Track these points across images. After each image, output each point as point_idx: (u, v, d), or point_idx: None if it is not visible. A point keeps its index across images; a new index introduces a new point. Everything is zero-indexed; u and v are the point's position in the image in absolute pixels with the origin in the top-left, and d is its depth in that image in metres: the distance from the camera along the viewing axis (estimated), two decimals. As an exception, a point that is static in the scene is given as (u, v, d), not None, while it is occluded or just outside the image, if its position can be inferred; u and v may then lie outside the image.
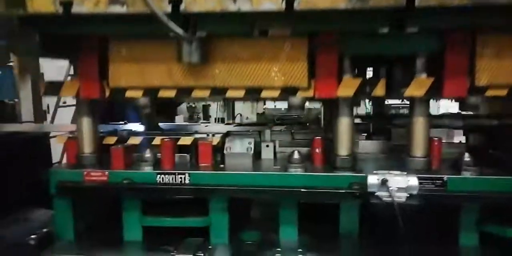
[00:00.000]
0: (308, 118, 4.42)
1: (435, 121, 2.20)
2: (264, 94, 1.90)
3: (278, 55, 1.86)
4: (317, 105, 6.41)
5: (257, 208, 2.37)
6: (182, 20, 1.66)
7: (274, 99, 2.54)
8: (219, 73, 1.89)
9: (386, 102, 2.98)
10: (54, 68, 4.32)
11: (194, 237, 1.94)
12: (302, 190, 1.82)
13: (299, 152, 1.99)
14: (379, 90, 1.83)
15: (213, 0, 1.55)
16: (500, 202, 1.76)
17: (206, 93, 1.93)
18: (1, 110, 3.17)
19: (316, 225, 2.07)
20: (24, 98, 4.29)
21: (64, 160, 4.32)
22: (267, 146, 2.24)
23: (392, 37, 1.70)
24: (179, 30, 1.63)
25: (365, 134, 2.32)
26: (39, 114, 4.33)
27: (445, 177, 1.78)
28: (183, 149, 2.14)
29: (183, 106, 6.84)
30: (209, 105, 7.65)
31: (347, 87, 1.84)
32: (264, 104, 6.61)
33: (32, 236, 1.87)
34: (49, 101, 4.85)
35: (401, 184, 1.67)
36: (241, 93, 1.91)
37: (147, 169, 2.00)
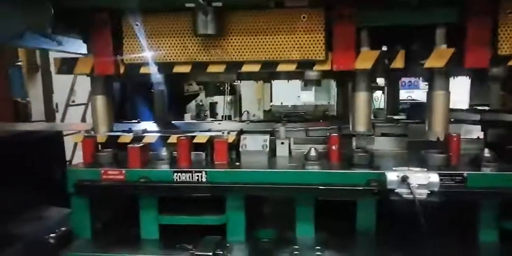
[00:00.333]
0: (315, 114, 4.40)
1: (453, 115, 2.18)
2: (280, 67, 1.88)
3: (295, 28, 1.83)
4: (324, 102, 6.45)
5: (272, 205, 2.37)
6: None
7: (289, 78, 2.47)
8: (235, 47, 1.87)
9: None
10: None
11: (209, 235, 1.93)
12: (320, 187, 1.81)
13: (315, 149, 1.99)
14: (398, 62, 1.80)
15: None
16: (520, 198, 1.74)
17: (221, 68, 1.91)
18: (14, 109, 3.18)
19: (332, 222, 2.06)
20: (34, 97, 4.31)
21: (75, 159, 4.36)
22: (282, 143, 2.23)
23: (411, 8, 1.66)
24: None
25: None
26: (50, 113, 4.35)
27: (465, 173, 1.76)
28: (198, 147, 2.14)
29: (191, 105, 6.85)
30: (216, 102, 7.67)
31: (366, 60, 1.81)
32: (271, 101, 6.61)
33: (52, 235, 1.87)
34: (58, 100, 4.87)
35: (422, 180, 1.66)
36: (256, 67, 1.89)
37: (164, 167, 2.00)
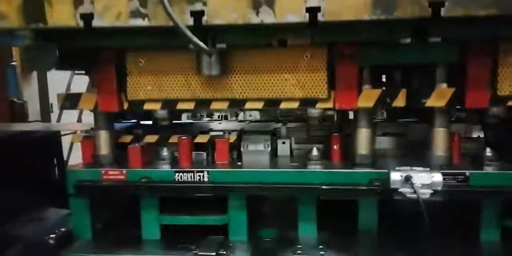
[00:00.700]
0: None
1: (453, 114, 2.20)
2: (283, 105, 1.90)
3: (297, 66, 1.85)
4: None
5: (273, 205, 2.37)
6: (202, 34, 1.65)
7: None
8: (238, 85, 1.89)
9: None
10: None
11: (210, 235, 1.92)
12: (323, 187, 1.81)
13: (318, 148, 1.98)
14: (400, 100, 1.82)
15: (236, 12, 1.54)
16: (522, 197, 1.75)
17: (224, 105, 1.93)
18: (11, 109, 3.15)
19: (334, 222, 2.06)
20: (29, 97, 4.27)
21: (72, 159, 4.32)
22: (284, 143, 2.23)
23: (412, 47, 1.68)
24: (202, 45, 1.62)
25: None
26: (46, 113, 4.32)
27: (467, 172, 1.77)
28: (199, 147, 2.13)
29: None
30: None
31: (367, 98, 1.83)
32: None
33: (52, 236, 1.85)
34: (53, 101, 4.84)
35: (425, 180, 1.66)
36: (259, 105, 1.91)
37: (165, 167, 1.99)
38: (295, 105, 1.88)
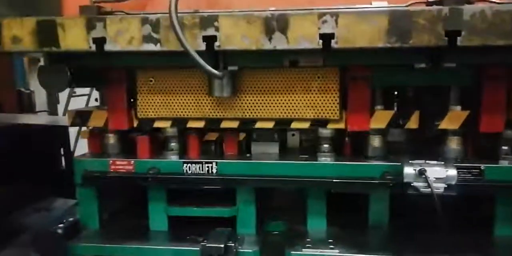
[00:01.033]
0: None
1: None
2: (293, 125, 1.88)
3: (309, 86, 1.82)
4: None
5: (283, 197, 2.34)
6: (213, 56, 1.65)
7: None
8: (248, 105, 1.87)
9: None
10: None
11: (218, 227, 1.90)
12: (334, 180, 1.78)
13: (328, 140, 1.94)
14: (413, 122, 1.78)
15: (249, 38, 1.53)
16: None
17: (235, 124, 1.91)
18: (18, 99, 3.14)
19: (344, 215, 2.03)
20: (37, 88, 4.26)
21: (78, 149, 4.31)
22: (293, 135, 2.19)
23: (425, 70, 1.64)
24: (214, 71, 1.61)
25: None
26: (53, 104, 4.31)
27: (482, 166, 1.72)
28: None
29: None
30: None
31: (380, 120, 1.80)
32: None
33: (60, 225, 1.85)
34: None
35: (439, 174, 1.62)
36: (270, 124, 1.89)
37: (173, 158, 1.96)
38: (306, 125, 1.87)
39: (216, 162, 1.88)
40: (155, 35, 1.58)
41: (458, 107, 1.79)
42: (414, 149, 2.01)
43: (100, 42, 1.59)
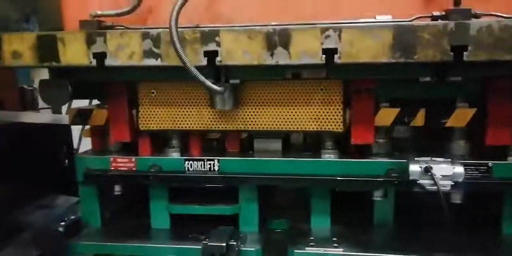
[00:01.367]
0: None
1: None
2: None
3: (312, 98, 1.79)
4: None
5: (286, 194, 2.31)
6: (215, 70, 1.64)
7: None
8: (251, 117, 1.85)
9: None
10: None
11: (220, 225, 1.88)
12: (338, 178, 1.74)
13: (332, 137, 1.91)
14: (418, 120, 1.74)
15: (250, 53, 1.51)
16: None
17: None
18: (21, 96, 3.13)
19: (348, 213, 2.01)
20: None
21: (82, 147, 4.31)
22: (296, 131, 2.15)
23: (431, 84, 1.62)
24: (215, 87, 1.60)
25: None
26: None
27: (490, 163, 1.68)
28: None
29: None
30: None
31: (385, 117, 1.76)
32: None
33: (61, 223, 1.83)
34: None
35: (445, 171, 1.58)
36: None
37: (175, 155, 1.94)
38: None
39: (218, 159, 1.85)
40: (156, 50, 1.57)
41: (465, 105, 1.75)
42: (419, 145, 1.97)
43: (100, 57, 1.59)
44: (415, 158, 1.66)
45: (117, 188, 1.98)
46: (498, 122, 1.69)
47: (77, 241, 1.86)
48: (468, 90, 1.73)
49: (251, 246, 1.77)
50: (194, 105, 1.87)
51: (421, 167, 1.61)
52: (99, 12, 1.71)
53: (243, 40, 1.51)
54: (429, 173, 1.58)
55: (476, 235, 1.82)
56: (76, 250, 1.85)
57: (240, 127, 1.86)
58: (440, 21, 1.48)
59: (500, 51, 1.39)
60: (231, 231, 1.77)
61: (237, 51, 1.52)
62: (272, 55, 1.50)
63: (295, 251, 1.70)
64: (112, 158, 1.92)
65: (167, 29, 1.50)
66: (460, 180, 1.60)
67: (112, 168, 1.91)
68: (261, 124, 1.85)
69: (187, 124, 1.89)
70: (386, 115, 1.77)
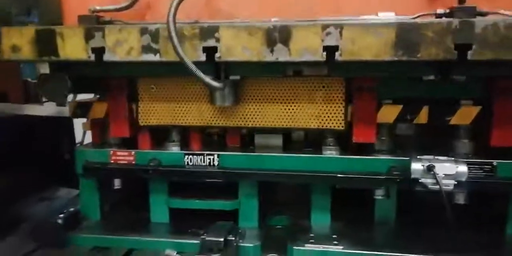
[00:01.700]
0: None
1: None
2: None
3: (313, 96, 1.77)
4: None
5: (286, 190, 2.30)
6: (215, 66, 1.62)
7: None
8: (251, 114, 1.83)
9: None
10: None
11: (220, 220, 1.87)
12: (338, 175, 1.72)
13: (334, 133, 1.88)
14: (422, 118, 1.71)
15: (250, 50, 1.49)
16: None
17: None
18: (24, 89, 3.13)
19: (348, 210, 1.98)
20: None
21: (86, 141, 4.32)
22: (298, 127, 2.13)
23: (435, 83, 1.59)
24: (214, 83, 1.58)
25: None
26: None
27: (495, 162, 1.65)
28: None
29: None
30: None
31: (387, 114, 1.73)
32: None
33: (60, 216, 1.83)
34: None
35: (448, 170, 1.55)
36: None
37: (175, 149, 1.93)
38: None
39: (218, 154, 1.84)
40: (154, 46, 1.55)
41: (470, 102, 1.71)
42: (422, 144, 1.94)
43: (99, 52, 1.58)
44: (418, 156, 1.63)
45: (117, 183, 1.98)
46: (503, 123, 1.66)
47: (76, 234, 1.86)
48: (472, 89, 1.70)
49: (250, 242, 1.76)
50: (194, 101, 1.86)
51: (423, 166, 1.58)
52: (98, 7, 1.70)
53: (243, 36, 1.49)
54: (432, 172, 1.55)
55: (479, 234, 1.79)
56: (75, 243, 1.85)
57: (240, 124, 1.85)
58: (444, 19, 1.44)
59: (505, 50, 1.36)
60: (230, 226, 1.76)
61: (237, 47, 1.50)
62: (272, 51, 1.48)
63: (294, 248, 1.68)
64: (111, 152, 1.91)
65: (166, 25, 1.49)
66: (463, 179, 1.57)
67: (112, 161, 1.90)
68: (261, 121, 1.83)
69: (187, 119, 1.88)
70: (389, 112, 1.74)
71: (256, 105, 1.83)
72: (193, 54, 1.52)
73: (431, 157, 1.62)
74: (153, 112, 1.90)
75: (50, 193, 2.55)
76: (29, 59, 1.64)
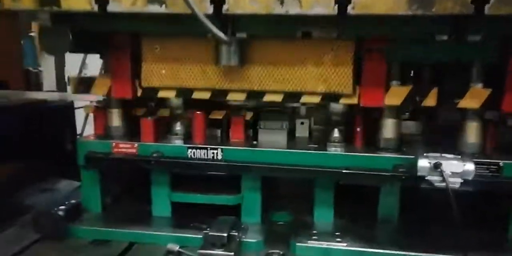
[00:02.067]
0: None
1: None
2: (304, 99, 1.80)
3: (322, 59, 1.72)
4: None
5: (289, 186, 2.28)
6: (222, 21, 1.56)
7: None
8: (257, 76, 1.78)
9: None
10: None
11: (222, 214, 1.86)
12: (343, 171, 1.70)
13: (339, 130, 1.87)
14: (430, 100, 1.67)
15: (259, 2, 1.42)
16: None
17: (242, 96, 1.83)
18: (25, 78, 3.11)
19: (352, 207, 1.97)
20: (46, 68, 4.22)
21: (86, 132, 4.31)
22: (302, 123, 2.11)
23: (447, 44, 1.53)
24: (221, 34, 1.53)
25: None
26: (62, 84, 4.28)
27: (501, 162, 1.64)
28: (214, 123, 2.03)
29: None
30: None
31: (395, 96, 1.70)
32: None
33: (61, 207, 1.82)
34: (69, 73, 4.79)
35: (456, 168, 1.53)
36: (279, 98, 1.81)
37: (178, 142, 1.91)
38: (317, 99, 1.78)
39: (222, 148, 1.82)
40: None
41: (480, 84, 1.67)
42: (428, 142, 1.92)
43: (102, 2, 1.50)
44: (425, 154, 1.61)
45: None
46: None
47: (76, 226, 1.85)
48: (487, 52, 1.63)
49: (252, 237, 1.75)
50: (198, 63, 1.81)
51: (430, 163, 1.56)
52: None
53: None
54: (439, 170, 1.54)
55: (484, 233, 1.78)
56: (75, 235, 1.84)
57: (246, 87, 1.80)
58: None
59: None
60: (233, 221, 1.75)
61: None
62: (282, 3, 1.40)
63: (297, 244, 1.67)
64: (114, 143, 1.89)
65: None
66: (470, 178, 1.55)
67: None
68: (267, 85, 1.78)
69: (192, 82, 1.83)
70: (397, 94, 1.70)
71: (262, 68, 1.77)
72: (200, 6, 1.45)
73: (437, 154, 1.60)
74: (157, 73, 1.85)
75: (51, 184, 2.54)
76: (29, 8, 1.55)
